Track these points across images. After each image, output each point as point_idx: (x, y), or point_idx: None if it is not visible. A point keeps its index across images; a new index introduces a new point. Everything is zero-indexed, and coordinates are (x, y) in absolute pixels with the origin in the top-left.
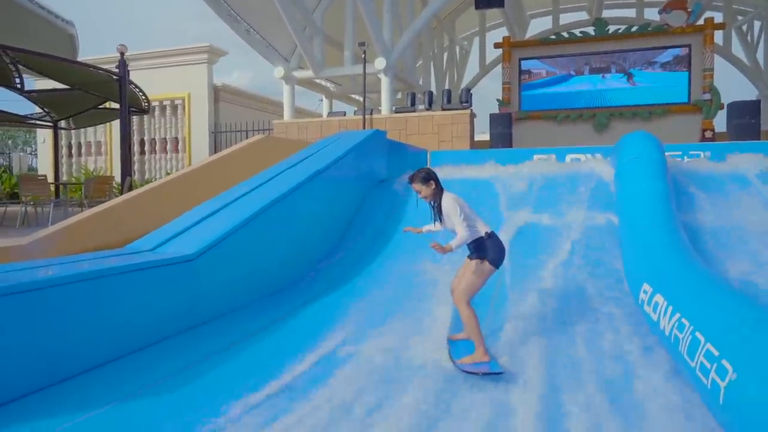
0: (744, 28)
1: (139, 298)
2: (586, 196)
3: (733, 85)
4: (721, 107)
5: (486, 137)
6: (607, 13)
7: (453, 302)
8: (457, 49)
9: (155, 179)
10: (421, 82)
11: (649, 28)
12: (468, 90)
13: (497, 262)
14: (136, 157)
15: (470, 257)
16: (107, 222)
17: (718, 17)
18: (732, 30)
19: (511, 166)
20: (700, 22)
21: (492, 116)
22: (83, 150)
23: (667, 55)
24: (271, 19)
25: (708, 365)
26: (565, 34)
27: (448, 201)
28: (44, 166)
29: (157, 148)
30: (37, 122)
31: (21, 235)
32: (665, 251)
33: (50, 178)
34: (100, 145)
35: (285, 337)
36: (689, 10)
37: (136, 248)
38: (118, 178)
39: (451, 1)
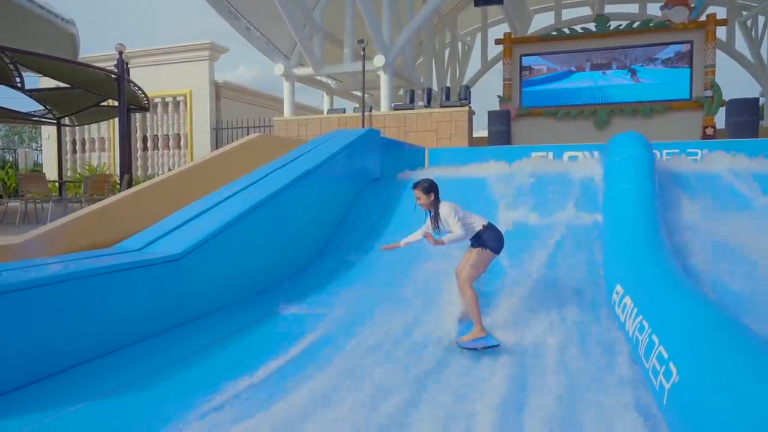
0: (748, 23)
1: (124, 298)
2: (577, 196)
3: (735, 82)
4: (723, 104)
5: (486, 133)
6: (609, 9)
7: (458, 285)
8: (459, 45)
9: (158, 175)
10: (422, 79)
11: (651, 24)
12: (467, 87)
13: (497, 250)
14: (138, 153)
15: (473, 246)
16: (103, 220)
17: (722, 12)
18: (736, 25)
19: (507, 163)
20: (703, 18)
21: (490, 114)
22: (87, 146)
23: (668, 52)
24: (271, 16)
25: (658, 367)
26: (566, 31)
27: (444, 208)
28: (49, 162)
29: (159, 144)
30: (41, 119)
31: (19, 233)
32: (640, 254)
33: (54, 175)
34: (104, 141)
35: (265, 334)
36: (691, 5)
37: (125, 248)
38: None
39: None
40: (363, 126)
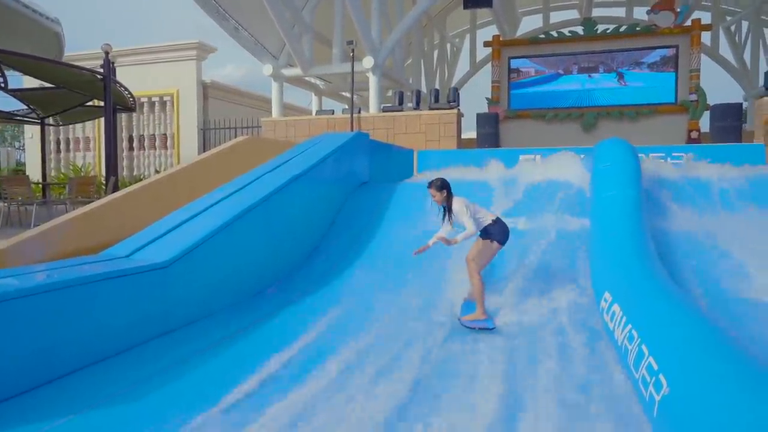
0: (732, 28)
1: (112, 306)
2: (563, 201)
3: (720, 86)
4: (707, 108)
5: (474, 135)
6: (597, 12)
7: (467, 270)
8: (448, 46)
9: (144, 175)
10: (411, 81)
11: (638, 29)
12: (456, 89)
13: (503, 241)
14: (125, 153)
15: (482, 237)
16: (90, 224)
17: (707, 17)
18: (720, 30)
19: (496, 166)
20: (688, 23)
21: (479, 116)
22: (71, 146)
23: (654, 56)
24: (260, 16)
25: (648, 378)
26: (554, 34)
27: (457, 204)
28: (32, 162)
29: (145, 144)
30: (24, 119)
31: (3, 238)
32: (629, 261)
33: (38, 175)
34: (89, 140)
35: (256, 341)
36: (677, 10)
37: (113, 254)
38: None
39: (439, 0)
40: (352, 127)
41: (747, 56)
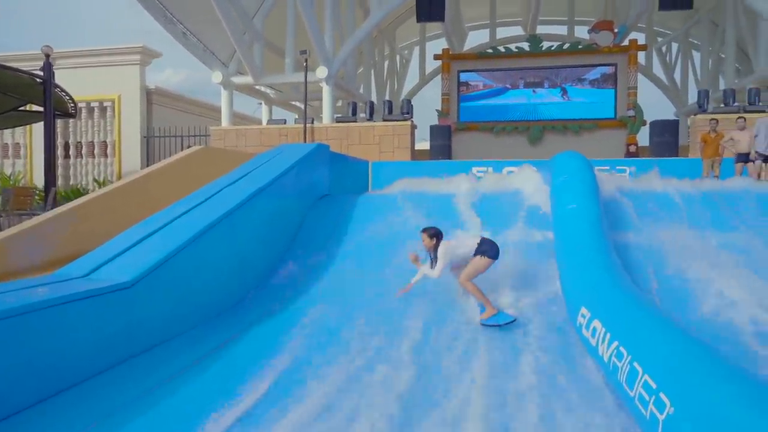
0: (663, 49)
1: (71, 332)
2: (522, 214)
3: (655, 103)
4: (644, 124)
5: (426, 145)
6: (541, 29)
7: (459, 283)
8: (398, 58)
9: (82, 185)
10: (361, 91)
11: (580, 47)
12: (409, 101)
13: (495, 257)
14: (60, 162)
15: (474, 255)
16: (37, 240)
17: (642, 38)
18: (653, 51)
19: (449, 178)
20: (626, 42)
21: (432, 128)
22: None
23: (595, 73)
24: (210, 22)
25: (647, 397)
26: (502, 49)
27: (443, 249)
28: None
29: (83, 152)
30: None
31: None
32: (602, 276)
33: None
34: (19, 147)
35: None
36: (615, 30)
37: (68, 274)
38: (39, 184)
39: (392, 12)
40: (305, 138)
41: (677, 75)
